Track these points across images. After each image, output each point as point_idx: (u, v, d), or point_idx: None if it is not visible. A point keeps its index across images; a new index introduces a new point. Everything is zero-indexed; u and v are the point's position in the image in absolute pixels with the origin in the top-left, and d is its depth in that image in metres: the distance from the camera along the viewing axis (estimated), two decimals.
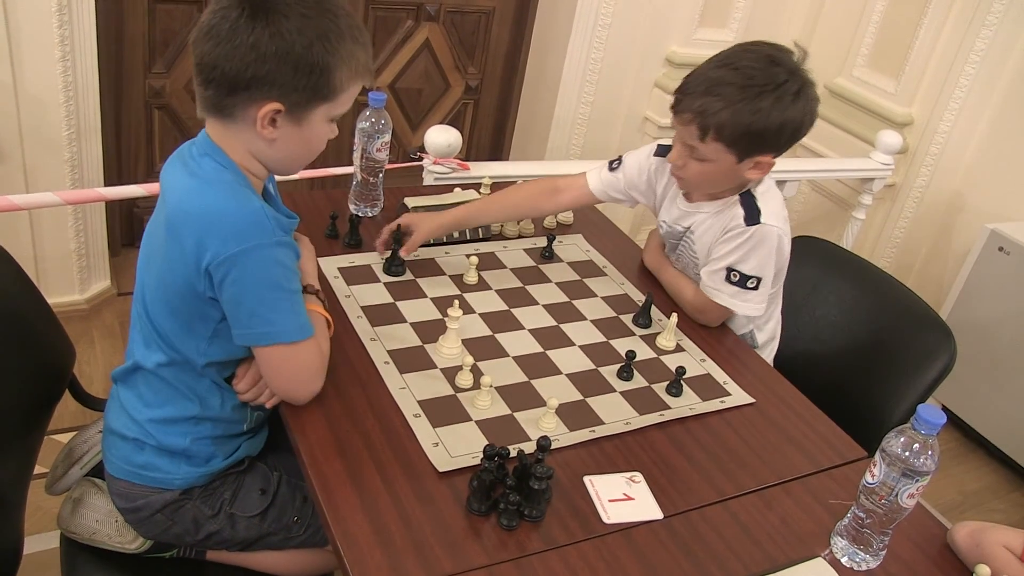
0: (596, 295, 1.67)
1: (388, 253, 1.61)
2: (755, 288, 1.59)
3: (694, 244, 1.67)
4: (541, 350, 1.47)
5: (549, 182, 1.79)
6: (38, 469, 1.43)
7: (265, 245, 1.14)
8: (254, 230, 1.14)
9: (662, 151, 1.69)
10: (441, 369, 1.37)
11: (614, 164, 1.77)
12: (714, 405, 1.43)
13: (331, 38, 1.14)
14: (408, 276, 1.60)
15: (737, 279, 1.58)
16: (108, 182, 2.72)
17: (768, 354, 1.76)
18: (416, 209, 1.72)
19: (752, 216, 1.57)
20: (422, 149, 2.20)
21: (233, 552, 1.40)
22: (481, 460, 1.12)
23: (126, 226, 3.07)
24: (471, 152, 3.59)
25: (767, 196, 1.59)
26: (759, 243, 1.56)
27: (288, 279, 1.18)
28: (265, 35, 1.10)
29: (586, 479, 1.22)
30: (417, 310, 1.51)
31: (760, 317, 1.70)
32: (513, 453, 1.17)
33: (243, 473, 1.37)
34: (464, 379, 1.34)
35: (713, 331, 1.65)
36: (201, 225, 1.14)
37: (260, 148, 1.21)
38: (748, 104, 1.43)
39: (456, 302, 1.41)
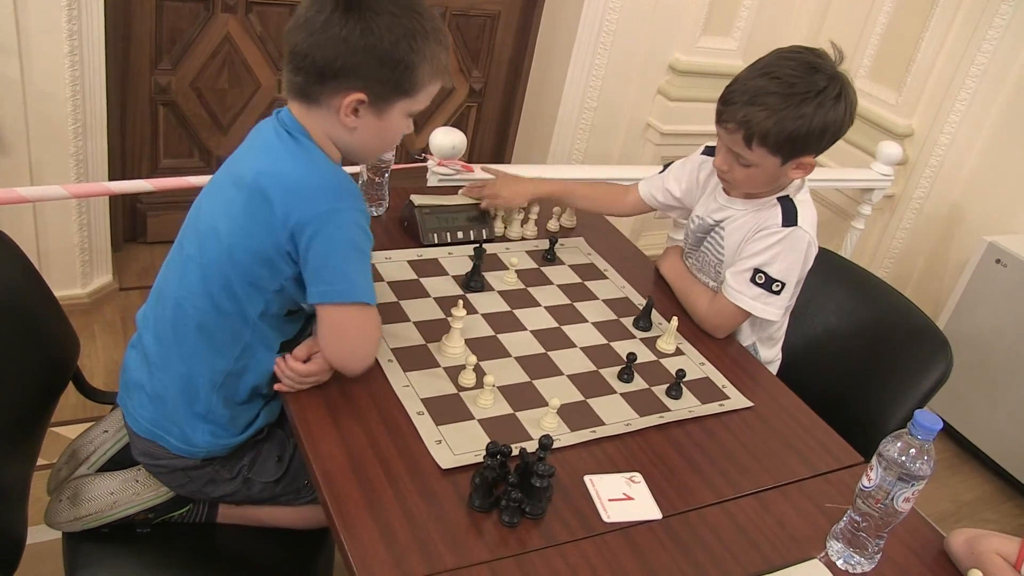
0: (597, 297, 1.69)
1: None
2: (778, 292, 1.61)
3: (723, 240, 1.69)
4: (543, 351, 1.49)
5: (622, 186, 1.93)
6: (40, 460, 1.44)
7: (354, 209, 1.24)
8: (345, 193, 1.25)
9: (709, 151, 1.76)
10: (444, 368, 1.38)
11: (662, 170, 1.87)
12: (713, 408, 1.44)
13: (416, 37, 1.22)
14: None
15: (763, 281, 1.60)
16: (112, 177, 2.73)
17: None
18: (422, 207, 1.74)
19: (790, 218, 1.60)
20: (426, 150, 2.21)
21: (243, 507, 1.46)
22: (484, 458, 1.14)
23: (129, 221, 3.08)
24: (474, 155, 3.60)
25: (805, 205, 1.63)
26: (791, 246, 1.59)
27: (367, 244, 1.27)
28: (356, 29, 1.18)
29: (586, 478, 1.23)
30: (421, 309, 1.52)
31: (766, 331, 1.72)
32: (515, 451, 1.18)
33: (262, 441, 1.42)
34: (467, 378, 1.36)
35: (714, 336, 1.67)
36: (294, 186, 1.22)
37: (340, 134, 1.28)
38: (791, 111, 1.46)
39: (460, 302, 1.43)
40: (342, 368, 1.28)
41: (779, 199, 1.63)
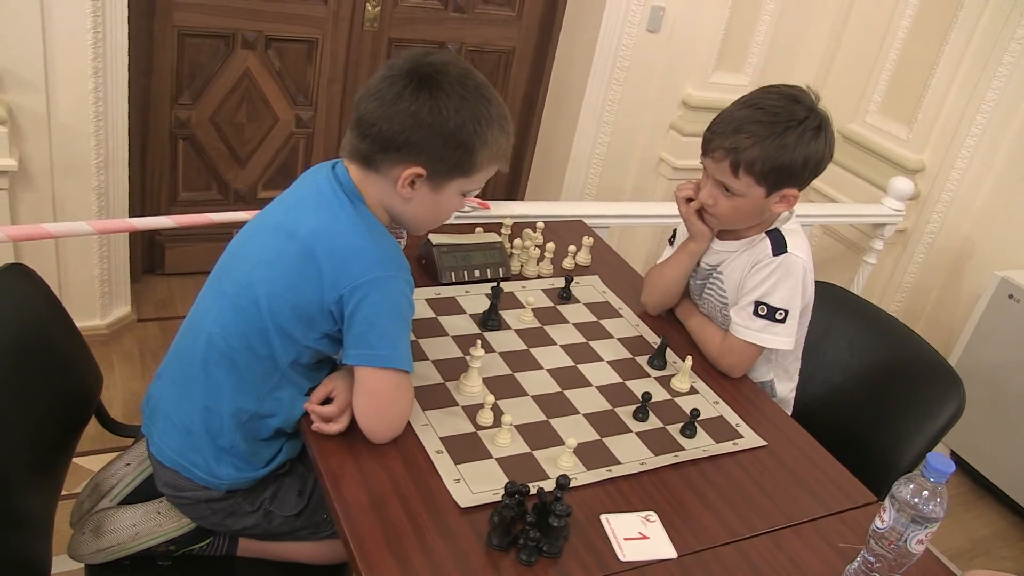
0: (612, 336, 1.71)
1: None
2: (783, 321, 1.63)
3: (723, 283, 1.71)
4: (559, 390, 1.51)
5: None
6: (63, 491, 1.47)
7: (402, 277, 1.28)
8: (394, 262, 1.28)
9: None
10: (463, 407, 1.41)
11: (671, 239, 1.89)
12: (727, 447, 1.46)
13: (481, 121, 1.27)
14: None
15: (765, 312, 1.63)
16: (132, 210, 2.77)
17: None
18: (440, 245, 1.77)
19: (779, 247, 1.64)
20: None
21: (263, 541, 1.48)
22: (502, 497, 1.16)
23: (147, 253, 3.13)
24: (489, 191, 3.63)
25: (794, 233, 1.67)
26: (787, 273, 1.62)
27: (410, 314, 1.31)
28: (426, 107, 1.23)
29: (603, 517, 1.25)
30: (439, 348, 1.55)
31: (781, 364, 1.74)
32: (533, 490, 1.20)
33: (283, 475, 1.44)
34: (485, 417, 1.38)
35: (730, 376, 1.68)
36: (349, 252, 1.26)
37: (394, 203, 1.32)
38: (775, 140, 1.52)
39: (479, 342, 1.45)
40: (371, 431, 1.30)
41: (767, 232, 1.66)
